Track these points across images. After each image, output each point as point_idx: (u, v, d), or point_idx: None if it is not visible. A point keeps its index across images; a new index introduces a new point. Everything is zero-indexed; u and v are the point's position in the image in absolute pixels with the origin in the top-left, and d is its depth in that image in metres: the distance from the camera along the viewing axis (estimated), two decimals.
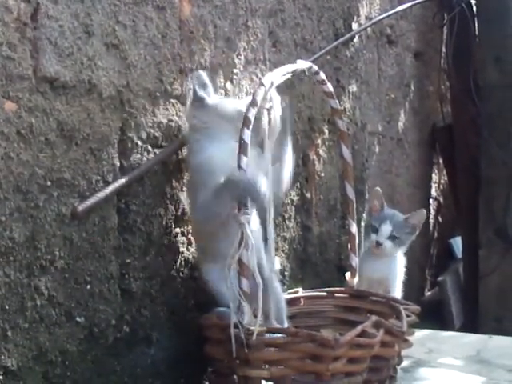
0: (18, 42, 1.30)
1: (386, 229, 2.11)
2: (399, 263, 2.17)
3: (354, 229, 1.99)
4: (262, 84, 1.67)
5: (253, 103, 1.63)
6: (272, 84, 1.69)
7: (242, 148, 1.58)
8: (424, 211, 2.17)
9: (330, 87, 1.91)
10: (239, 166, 1.57)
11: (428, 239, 3.58)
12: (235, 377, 1.60)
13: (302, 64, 1.82)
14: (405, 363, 2.04)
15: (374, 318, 1.70)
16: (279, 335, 1.58)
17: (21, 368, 1.30)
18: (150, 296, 1.64)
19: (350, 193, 2.01)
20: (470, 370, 2.03)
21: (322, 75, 1.88)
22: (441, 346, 2.28)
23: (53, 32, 1.36)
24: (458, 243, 3.70)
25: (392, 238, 2.11)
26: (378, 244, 2.10)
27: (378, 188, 2.20)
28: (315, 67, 1.85)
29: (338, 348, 1.56)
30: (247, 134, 1.60)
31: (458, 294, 3.46)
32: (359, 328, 1.64)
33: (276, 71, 1.74)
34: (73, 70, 1.41)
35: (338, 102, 1.95)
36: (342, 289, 2.06)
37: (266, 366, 1.56)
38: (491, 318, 3.28)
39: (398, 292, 2.14)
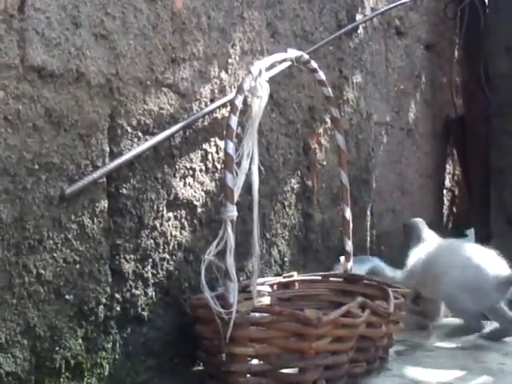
0: (5, 33, 1.37)
1: None
2: None
3: (348, 214, 2.04)
4: (249, 72, 1.73)
5: (240, 90, 1.69)
6: (260, 72, 1.75)
7: (228, 133, 1.65)
8: None
9: (321, 75, 1.96)
10: (225, 152, 1.64)
11: (442, 230, 3.59)
12: (224, 355, 1.66)
13: (293, 53, 1.87)
14: (400, 347, 2.08)
15: (359, 298, 1.75)
16: (264, 314, 1.64)
17: (8, 341, 1.37)
18: (142, 277, 1.70)
19: (345, 179, 2.05)
20: (464, 354, 2.06)
21: (314, 64, 1.93)
22: (441, 330, 2.31)
23: (40, 23, 1.43)
24: (473, 234, 3.70)
25: None
26: None
27: None
28: (306, 56, 1.90)
29: (320, 327, 1.62)
30: (234, 120, 1.66)
31: None
32: (344, 308, 1.69)
33: (265, 59, 1.79)
34: (60, 60, 1.48)
35: (330, 90, 2.00)
36: (337, 273, 2.10)
37: (251, 344, 1.62)
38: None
39: None
